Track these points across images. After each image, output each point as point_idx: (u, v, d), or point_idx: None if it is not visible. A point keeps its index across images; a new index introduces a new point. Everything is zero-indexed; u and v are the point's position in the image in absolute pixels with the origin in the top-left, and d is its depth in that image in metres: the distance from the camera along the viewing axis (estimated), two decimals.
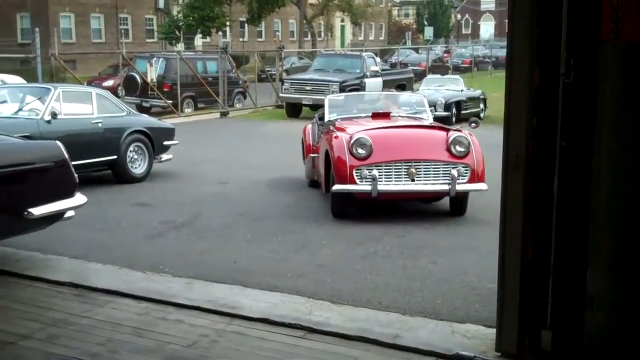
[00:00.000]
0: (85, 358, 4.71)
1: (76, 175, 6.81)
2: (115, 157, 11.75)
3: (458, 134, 9.30)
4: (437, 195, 9.39)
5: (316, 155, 10.64)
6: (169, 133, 13.07)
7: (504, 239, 4.77)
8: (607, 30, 4.24)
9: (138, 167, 12.22)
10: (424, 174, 8.95)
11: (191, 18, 43.94)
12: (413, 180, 8.91)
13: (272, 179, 12.53)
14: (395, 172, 8.92)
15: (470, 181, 8.99)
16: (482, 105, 24.07)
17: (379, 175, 8.85)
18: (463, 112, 22.49)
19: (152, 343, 4.97)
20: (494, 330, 4.94)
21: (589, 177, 4.40)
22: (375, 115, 10.81)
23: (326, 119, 10.86)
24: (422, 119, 11.04)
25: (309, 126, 11.96)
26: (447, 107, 21.76)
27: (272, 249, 7.80)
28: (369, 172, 8.83)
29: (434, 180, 8.98)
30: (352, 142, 8.96)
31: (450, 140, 9.10)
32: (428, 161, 8.98)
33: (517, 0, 4.52)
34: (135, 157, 12.17)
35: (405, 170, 8.90)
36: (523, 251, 4.63)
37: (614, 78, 4.24)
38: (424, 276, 6.75)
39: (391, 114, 11.00)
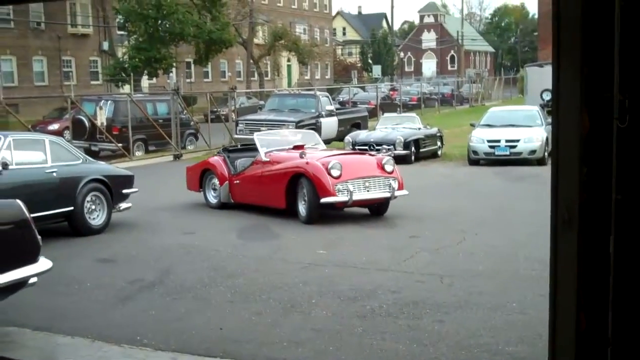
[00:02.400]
0: None
1: (39, 237, 6.01)
2: (71, 208, 10.92)
3: (387, 157, 12.99)
4: (383, 201, 12.51)
5: (237, 181, 13.41)
6: (128, 181, 12.26)
7: (555, 309, 4.11)
8: None
9: (96, 218, 11.37)
10: (374, 186, 12.30)
11: (137, 59, 42.92)
12: (369, 191, 12.20)
13: (238, 226, 11.87)
14: (357, 186, 12.06)
15: (398, 189, 12.47)
16: (439, 143, 23.67)
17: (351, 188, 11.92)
18: (422, 150, 22.10)
19: None
20: None
21: None
22: (295, 147, 13.46)
23: (261, 153, 13.21)
24: (318, 149, 14.03)
25: (217, 159, 14.27)
26: (406, 145, 21.31)
27: (259, 311, 7.05)
28: (343, 187, 11.84)
29: (379, 189, 12.34)
30: (329, 165, 11.91)
31: (383, 162, 12.61)
32: (375, 177, 12.39)
33: (563, 36, 3.98)
34: (93, 207, 11.33)
35: (363, 184, 12.14)
36: (577, 321, 4.02)
37: None
38: (434, 340, 6.08)
39: (305, 146, 13.59)
